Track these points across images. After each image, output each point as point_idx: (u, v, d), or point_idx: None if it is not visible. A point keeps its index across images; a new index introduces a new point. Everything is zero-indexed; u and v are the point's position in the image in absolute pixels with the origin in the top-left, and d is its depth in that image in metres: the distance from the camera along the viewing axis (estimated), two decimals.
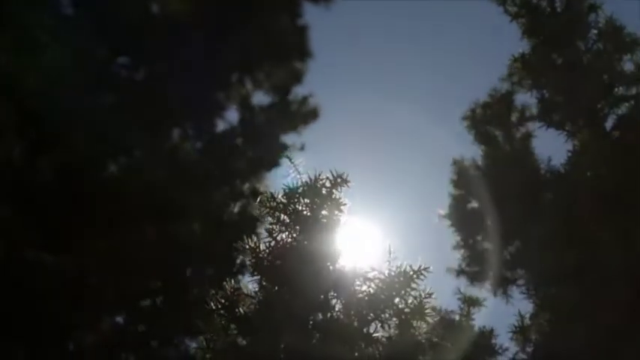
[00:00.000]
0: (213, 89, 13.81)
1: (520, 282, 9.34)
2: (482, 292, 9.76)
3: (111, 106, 11.91)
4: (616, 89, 8.60)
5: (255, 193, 12.05)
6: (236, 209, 11.92)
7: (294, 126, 14.26)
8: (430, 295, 5.03)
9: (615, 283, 7.51)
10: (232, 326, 5.09)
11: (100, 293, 10.53)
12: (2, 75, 8.57)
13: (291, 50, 14.40)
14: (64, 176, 11.03)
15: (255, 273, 5.09)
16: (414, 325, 4.99)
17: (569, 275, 7.81)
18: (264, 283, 5.07)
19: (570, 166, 8.32)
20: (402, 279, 5.00)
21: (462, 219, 10.44)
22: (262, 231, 5.24)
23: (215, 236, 11.44)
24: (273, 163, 13.74)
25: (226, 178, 12.66)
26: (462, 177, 10.48)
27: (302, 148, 14.05)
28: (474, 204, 10.43)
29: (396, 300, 5.00)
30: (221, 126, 13.95)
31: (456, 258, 10.44)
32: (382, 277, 5.02)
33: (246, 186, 12.26)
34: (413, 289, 5.02)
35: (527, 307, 8.16)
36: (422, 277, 5.02)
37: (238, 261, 11.15)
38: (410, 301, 5.02)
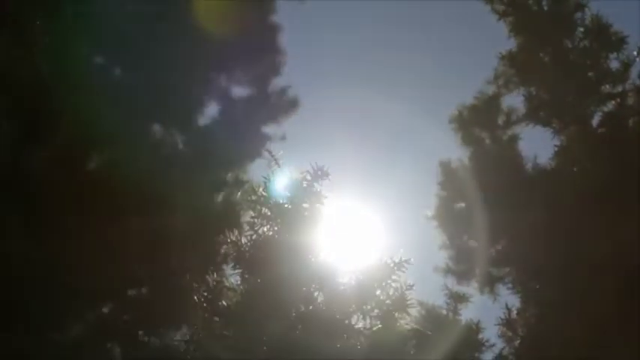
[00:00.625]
0: (191, 84, 13.82)
1: (507, 279, 9.40)
2: (470, 290, 9.84)
3: (91, 101, 11.88)
4: (602, 87, 8.65)
5: (238, 182, 12.04)
6: (219, 199, 11.90)
7: (274, 117, 14.29)
8: (411, 286, 5.07)
9: (602, 276, 7.56)
10: (215, 318, 5.12)
11: (85, 283, 10.50)
12: None
13: (265, 46, 14.41)
14: (50, 167, 11.01)
15: (237, 266, 5.11)
16: (396, 316, 5.03)
17: (557, 270, 7.86)
18: (246, 276, 5.09)
19: (557, 161, 8.37)
20: (383, 271, 5.03)
21: (449, 219, 10.51)
22: (244, 223, 5.26)
23: (199, 227, 11.43)
24: (255, 154, 13.77)
25: (208, 168, 12.66)
26: (448, 178, 10.55)
27: (283, 138, 14.08)
28: (461, 204, 10.49)
29: (378, 292, 5.04)
30: (201, 119, 13.98)
31: (443, 257, 10.52)
32: (364, 269, 5.05)
33: (229, 175, 12.25)
34: (394, 280, 5.06)
35: (513, 304, 8.25)
36: (403, 269, 5.06)
37: (222, 251, 11.15)
38: (391, 292, 5.05)
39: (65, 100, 10.93)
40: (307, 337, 4.92)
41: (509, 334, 7.61)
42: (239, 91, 14.34)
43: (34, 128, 10.72)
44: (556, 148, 8.41)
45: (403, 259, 5.07)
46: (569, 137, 8.60)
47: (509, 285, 8.82)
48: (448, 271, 10.43)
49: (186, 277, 10.79)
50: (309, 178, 5.19)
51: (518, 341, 7.60)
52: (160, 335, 10.86)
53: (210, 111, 13.98)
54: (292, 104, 14.28)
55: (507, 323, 7.37)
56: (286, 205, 5.19)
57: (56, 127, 10.91)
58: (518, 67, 9.01)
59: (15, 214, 10.32)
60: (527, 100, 8.91)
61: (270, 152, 5.17)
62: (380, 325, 5.03)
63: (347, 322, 5.03)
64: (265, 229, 5.18)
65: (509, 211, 9.13)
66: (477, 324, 7.12)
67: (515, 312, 7.83)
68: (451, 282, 10.11)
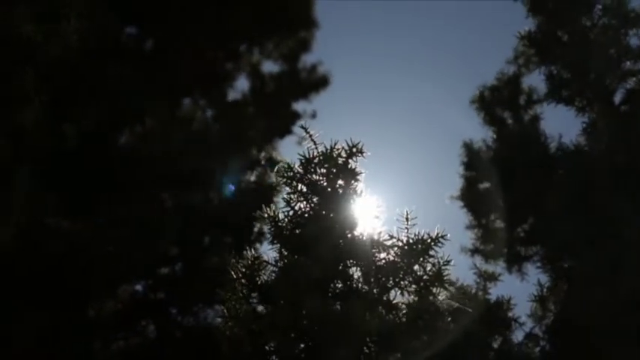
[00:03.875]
0: (223, 58, 13.84)
1: (535, 258, 9.40)
2: (497, 270, 9.85)
3: (122, 75, 11.93)
4: (623, 64, 8.60)
5: (271, 161, 12.10)
6: (253, 178, 11.97)
7: (305, 93, 14.31)
8: (448, 262, 5.07)
9: (632, 251, 7.54)
10: (253, 295, 5.15)
11: (119, 260, 10.62)
12: (26, 43, 8.61)
13: (297, 20, 14.39)
14: (82, 143, 11.09)
15: (275, 242, 5.13)
16: (433, 292, 5.03)
17: (587, 246, 7.84)
18: (284, 252, 5.11)
19: (584, 140, 8.34)
20: (420, 246, 5.03)
21: (474, 199, 10.53)
22: (280, 200, 5.27)
23: (232, 204, 11.50)
24: (286, 131, 13.81)
25: (241, 146, 12.71)
26: (472, 159, 10.57)
27: (314, 116, 14.11)
28: (486, 184, 10.51)
29: (415, 267, 5.04)
30: (231, 95, 14.02)
31: (469, 237, 10.54)
32: (400, 244, 5.05)
33: (262, 154, 12.31)
34: (431, 256, 5.05)
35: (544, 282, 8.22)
36: (440, 244, 5.06)
37: (256, 229, 11.23)
38: (429, 268, 5.05)
39: (96, 74, 10.99)
40: (345, 313, 4.93)
41: (540, 312, 7.60)
42: (270, 67, 14.37)
43: (67, 104, 10.79)
44: (583, 126, 8.36)
45: (440, 234, 5.06)
46: (594, 115, 8.56)
47: (538, 263, 8.81)
48: (475, 251, 10.45)
49: (219, 255, 10.90)
50: (344, 154, 5.18)
51: (550, 319, 7.59)
52: (193, 313, 10.97)
53: (240, 85, 14.03)
54: (322, 81, 14.30)
55: (540, 300, 7.35)
56: (322, 182, 5.19)
57: (88, 103, 10.97)
58: (537, 46, 8.96)
59: (50, 190, 10.42)
60: (548, 80, 8.87)
61: (305, 129, 5.16)
62: (417, 301, 5.03)
63: (385, 297, 5.04)
64: (302, 206, 5.18)
65: (535, 190, 9.12)
66: (508, 301, 7.14)
67: (546, 289, 7.81)
68: (478, 262, 10.15)
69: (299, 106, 14.46)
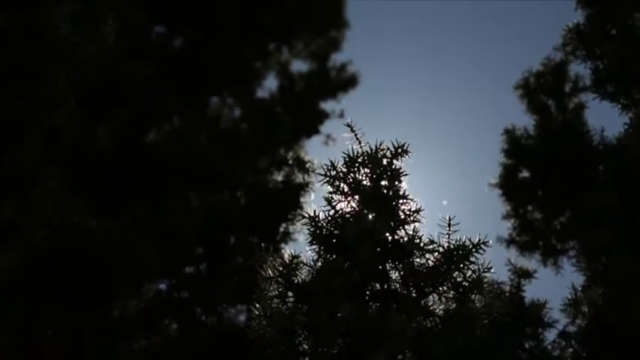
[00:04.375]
0: (251, 57, 13.84)
1: (571, 253, 9.31)
2: (532, 262, 9.81)
3: (150, 73, 11.96)
4: None
5: (299, 161, 12.05)
6: (280, 178, 11.93)
7: (334, 93, 14.30)
8: (489, 269, 4.99)
9: None
10: (289, 294, 5.09)
11: (144, 259, 10.61)
12: (63, 44, 8.64)
13: (327, 19, 14.39)
14: (112, 143, 11.11)
15: (314, 242, 5.06)
16: (472, 298, 4.95)
17: (625, 248, 7.72)
18: (322, 252, 5.05)
19: (626, 138, 8.20)
20: (461, 252, 4.95)
21: (513, 188, 10.41)
22: (308, 201, 5.19)
23: (259, 204, 11.47)
24: (313, 131, 13.79)
25: (268, 145, 12.69)
26: (513, 146, 10.43)
27: (341, 115, 14.09)
28: (526, 173, 10.39)
29: (455, 273, 4.96)
30: (259, 94, 14.03)
31: (505, 228, 10.43)
32: (441, 249, 4.98)
33: (290, 154, 12.27)
34: (472, 262, 4.97)
35: (577, 279, 8.14)
36: (481, 251, 4.98)
37: (282, 229, 11.20)
38: (468, 274, 4.97)
39: (127, 74, 11.00)
40: (382, 316, 4.86)
41: (574, 313, 7.49)
42: (299, 65, 14.36)
43: (100, 105, 10.81)
44: (626, 125, 8.23)
45: (481, 240, 4.98)
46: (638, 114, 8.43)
47: (574, 260, 8.70)
48: (511, 242, 10.35)
49: (246, 253, 10.87)
50: (389, 155, 5.11)
51: (583, 321, 7.46)
52: (218, 313, 10.94)
53: (269, 84, 14.01)
54: (352, 80, 14.27)
55: (574, 303, 7.22)
56: (365, 182, 5.12)
57: (120, 103, 10.99)
58: (585, 40, 8.83)
59: (79, 190, 10.44)
60: (594, 74, 8.75)
61: (351, 127, 5.10)
62: (455, 307, 4.95)
63: (423, 302, 4.96)
64: (343, 206, 5.12)
65: (574, 183, 9.01)
66: (544, 304, 6.99)
67: (580, 290, 7.69)
68: (513, 254, 10.07)
69: (328, 105, 14.45)
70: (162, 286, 11.28)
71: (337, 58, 14.65)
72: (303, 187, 11.43)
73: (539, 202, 10.14)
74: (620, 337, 6.93)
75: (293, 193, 11.38)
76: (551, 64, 10.33)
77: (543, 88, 10.27)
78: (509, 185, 10.44)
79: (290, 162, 12.03)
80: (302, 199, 11.24)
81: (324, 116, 14.29)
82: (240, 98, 13.65)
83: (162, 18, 13.17)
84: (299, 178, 11.68)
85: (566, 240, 9.61)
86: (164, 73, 12.20)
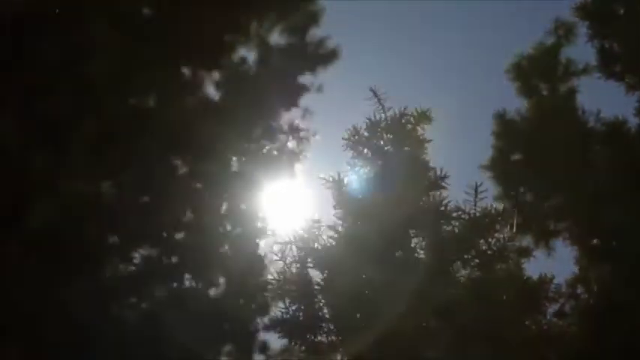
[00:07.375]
0: (226, 28, 13.66)
1: (564, 234, 9.30)
2: (524, 244, 9.77)
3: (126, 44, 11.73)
4: None
5: (293, 128, 11.91)
6: (274, 147, 11.78)
7: (312, 67, 14.17)
8: (513, 238, 4.96)
9: None
10: (309, 259, 5.02)
11: (133, 224, 10.47)
12: None
13: None
14: (83, 110, 10.90)
15: (337, 206, 4.99)
16: (496, 267, 4.92)
17: (620, 229, 7.73)
18: (345, 217, 4.98)
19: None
20: (486, 220, 4.90)
21: (504, 170, 10.38)
22: (345, 165, 5.11)
23: (251, 172, 11.34)
24: (291, 104, 13.66)
25: (253, 114, 12.54)
26: (504, 129, 10.40)
27: (320, 90, 13.96)
28: (517, 155, 10.36)
29: (480, 241, 4.92)
30: (238, 67, 13.87)
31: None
32: (466, 217, 4.92)
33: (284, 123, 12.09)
34: (496, 231, 4.93)
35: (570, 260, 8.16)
36: (507, 218, 4.94)
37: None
38: (493, 242, 4.93)
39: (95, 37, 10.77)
40: (405, 283, 4.80)
41: (571, 290, 7.51)
42: (276, 39, 14.17)
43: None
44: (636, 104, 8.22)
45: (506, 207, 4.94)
46: None
47: (567, 241, 8.72)
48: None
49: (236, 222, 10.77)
50: (412, 121, 5.04)
51: (581, 299, 7.49)
52: (206, 280, 10.85)
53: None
54: (331, 55, 14.12)
55: (579, 279, 7.24)
56: (388, 148, 5.05)
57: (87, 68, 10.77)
58: (592, 19, 8.79)
59: (66, 154, 10.26)
60: (599, 54, 8.72)
61: (374, 92, 5.01)
62: (480, 275, 4.91)
63: (446, 270, 4.91)
64: (366, 171, 5.05)
65: (568, 165, 8.99)
66: (551, 279, 6.98)
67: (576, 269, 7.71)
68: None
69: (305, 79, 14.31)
70: (152, 252, 11.13)
71: (316, 33, 14.52)
72: (298, 155, 11.32)
73: (531, 184, 10.11)
74: (628, 313, 6.94)
75: (287, 161, 11.27)
76: (543, 47, 10.30)
77: (535, 72, 10.24)
78: (500, 167, 10.43)
79: (284, 130, 11.89)
80: (296, 167, 11.14)
81: (302, 90, 14.16)
82: (215, 69, 13.49)
83: None
84: (293, 147, 11.58)
85: (559, 221, 9.59)
86: (138, 43, 12.00)
